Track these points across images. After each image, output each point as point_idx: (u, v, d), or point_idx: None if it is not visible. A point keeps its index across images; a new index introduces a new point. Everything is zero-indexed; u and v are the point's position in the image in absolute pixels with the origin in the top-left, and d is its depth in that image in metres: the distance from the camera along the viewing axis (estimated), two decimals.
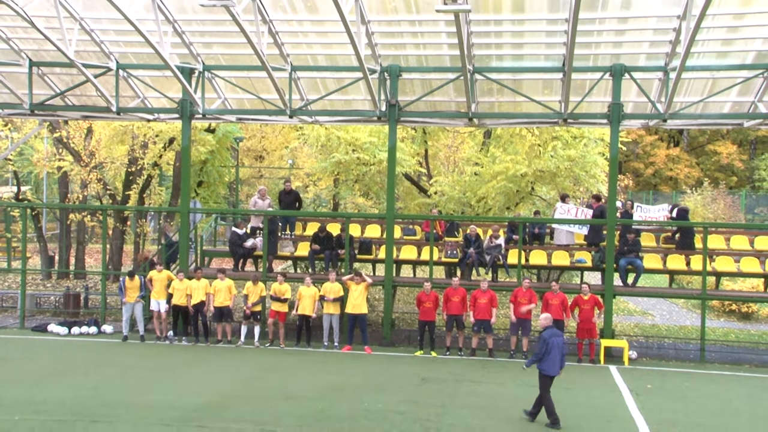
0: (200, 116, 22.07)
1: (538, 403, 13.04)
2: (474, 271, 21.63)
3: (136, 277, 20.69)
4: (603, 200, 22.85)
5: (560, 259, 21.82)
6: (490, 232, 21.60)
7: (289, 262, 27.44)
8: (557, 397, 12.88)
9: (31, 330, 22.00)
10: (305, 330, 20.10)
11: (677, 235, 21.90)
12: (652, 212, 22.22)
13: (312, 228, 23.20)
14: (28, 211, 28.62)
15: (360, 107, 21.92)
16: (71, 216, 31.66)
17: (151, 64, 21.06)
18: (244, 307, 20.20)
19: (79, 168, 29.40)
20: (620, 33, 18.95)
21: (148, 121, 23.95)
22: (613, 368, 18.30)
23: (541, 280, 25.45)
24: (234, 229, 22.66)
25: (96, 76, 21.11)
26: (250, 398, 14.31)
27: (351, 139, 26.04)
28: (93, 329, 21.65)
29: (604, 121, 20.48)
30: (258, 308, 20.23)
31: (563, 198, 22.44)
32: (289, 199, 23.27)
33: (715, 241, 22.18)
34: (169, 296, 20.35)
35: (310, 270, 23.01)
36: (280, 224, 23.00)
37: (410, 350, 20.07)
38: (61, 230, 33.69)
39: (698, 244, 21.21)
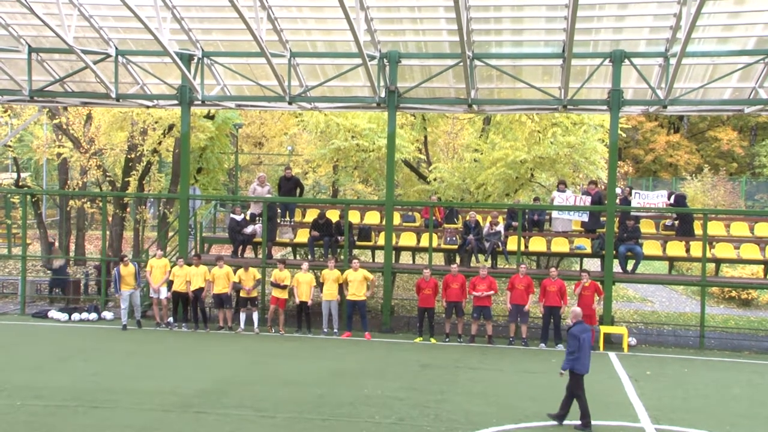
0: (199, 103, 22.02)
1: (565, 405, 12.33)
2: (473, 258, 21.64)
3: (130, 263, 20.67)
4: (602, 186, 22.81)
5: (560, 245, 21.81)
6: (489, 218, 21.60)
7: (289, 249, 27.45)
8: (555, 383, 12.86)
9: (32, 316, 22.03)
10: (304, 316, 20.15)
11: (676, 222, 21.88)
12: (650, 198, 22.15)
13: (311, 215, 23.18)
14: (28, 197, 28.58)
15: (359, 94, 21.84)
16: (71, 202, 31.60)
17: (151, 51, 20.98)
18: (242, 291, 20.14)
19: (78, 154, 29.34)
20: (620, 19, 18.90)
21: (148, 107, 23.91)
22: (612, 355, 18.34)
23: (541, 267, 25.46)
24: (232, 215, 22.67)
25: (95, 63, 21.04)
26: (249, 384, 14.36)
27: (350, 126, 25.98)
28: (93, 315, 21.68)
29: (604, 107, 20.44)
30: (255, 293, 20.27)
31: (560, 186, 22.25)
32: (289, 185, 23.22)
33: (715, 228, 22.16)
34: (169, 283, 20.37)
35: (309, 256, 23.00)
36: (279, 211, 22.99)
37: (410, 337, 20.11)
38: (61, 217, 33.67)
39: (698, 231, 21.20)
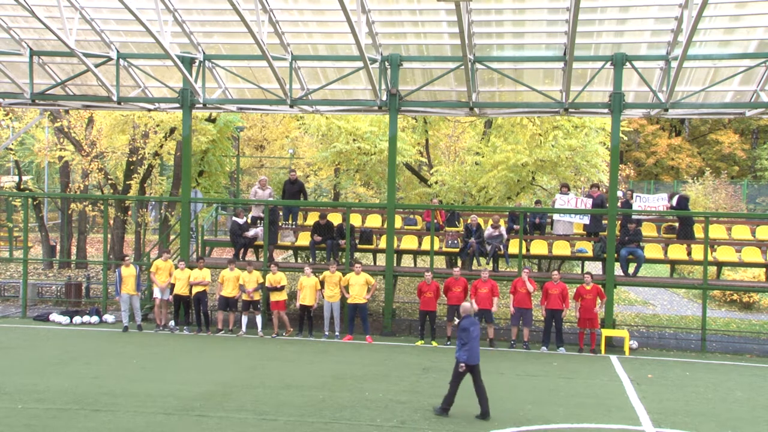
0: (201, 106, 22.04)
1: (450, 397, 12.77)
2: (475, 261, 21.63)
3: (131, 265, 20.67)
4: (603, 189, 22.79)
5: (561, 248, 21.80)
6: (490, 221, 21.58)
7: (290, 252, 27.46)
8: (557, 386, 12.89)
9: (33, 319, 22.03)
10: (306, 320, 20.14)
11: (677, 225, 21.84)
12: (650, 201, 22.10)
13: (313, 218, 23.19)
14: (30, 200, 28.65)
15: (360, 97, 21.88)
16: (72, 205, 31.67)
17: (152, 54, 21.02)
18: (243, 294, 20.19)
19: (80, 158, 29.41)
20: (621, 22, 18.91)
21: (149, 110, 23.92)
22: (613, 358, 18.32)
23: (542, 270, 25.45)
24: (234, 218, 22.68)
25: (97, 66, 21.08)
26: (251, 387, 14.34)
27: (352, 129, 25.99)
28: (94, 318, 21.68)
29: (606, 110, 20.44)
30: (258, 296, 20.26)
31: (563, 188, 22.28)
32: (294, 189, 23.24)
33: (717, 231, 22.15)
34: (171, 285, 20.36)
35: (310, 260, 22.98)
36: (281, 214, 22.99)
37: (411, 340, 20.10)
38: (63, 220, 33.72)
39: (699, 234, 21.17)
